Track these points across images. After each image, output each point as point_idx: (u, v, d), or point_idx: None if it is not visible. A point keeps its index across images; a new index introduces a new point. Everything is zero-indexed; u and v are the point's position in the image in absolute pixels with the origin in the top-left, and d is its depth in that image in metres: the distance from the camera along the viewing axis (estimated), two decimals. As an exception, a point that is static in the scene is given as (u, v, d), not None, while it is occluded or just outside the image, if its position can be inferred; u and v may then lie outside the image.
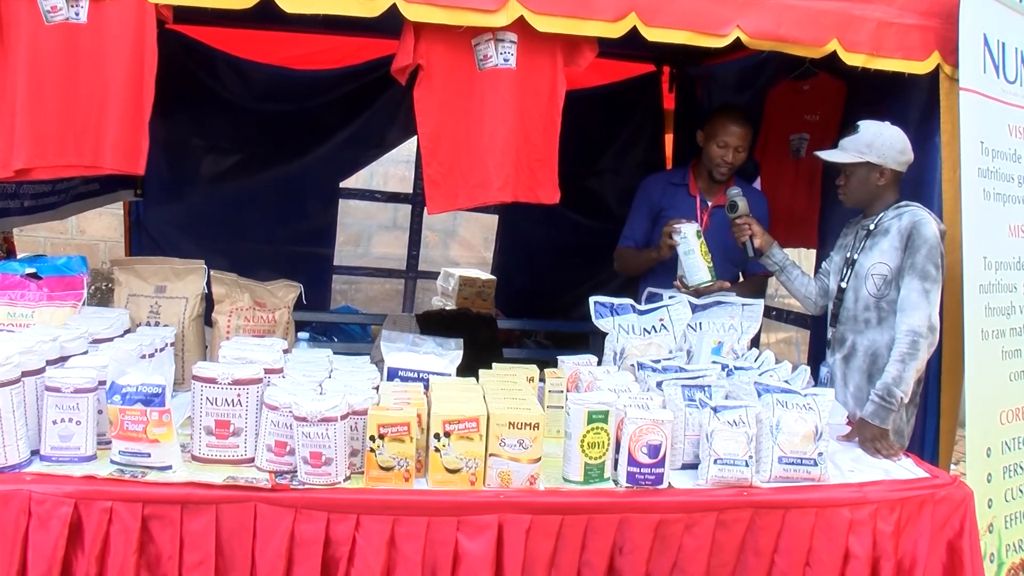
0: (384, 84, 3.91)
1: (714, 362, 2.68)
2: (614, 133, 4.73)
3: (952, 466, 2.93)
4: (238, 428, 2.15)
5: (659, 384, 2.44)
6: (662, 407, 2.33)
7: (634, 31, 2.54)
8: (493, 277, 5.22)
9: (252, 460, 2.16)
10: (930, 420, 2.90)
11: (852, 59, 2.71)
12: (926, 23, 2.76)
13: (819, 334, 3.73)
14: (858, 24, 2.69)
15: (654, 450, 2.20)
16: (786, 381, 2.51)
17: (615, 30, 2.53)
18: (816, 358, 3.35)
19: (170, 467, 2.06)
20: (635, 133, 4.76)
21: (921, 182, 2.93)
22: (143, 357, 2.37)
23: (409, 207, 5.28)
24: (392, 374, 2.43)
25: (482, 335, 3.94)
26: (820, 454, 2.30)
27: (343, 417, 2.06)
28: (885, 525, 2.27)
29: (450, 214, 5.69)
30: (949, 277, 2.73)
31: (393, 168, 6.20)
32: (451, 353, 2.55)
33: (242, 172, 4.34)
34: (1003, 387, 2.77)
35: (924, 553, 2.31)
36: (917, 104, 3.03)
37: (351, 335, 4.83)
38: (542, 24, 2.47)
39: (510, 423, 2.13)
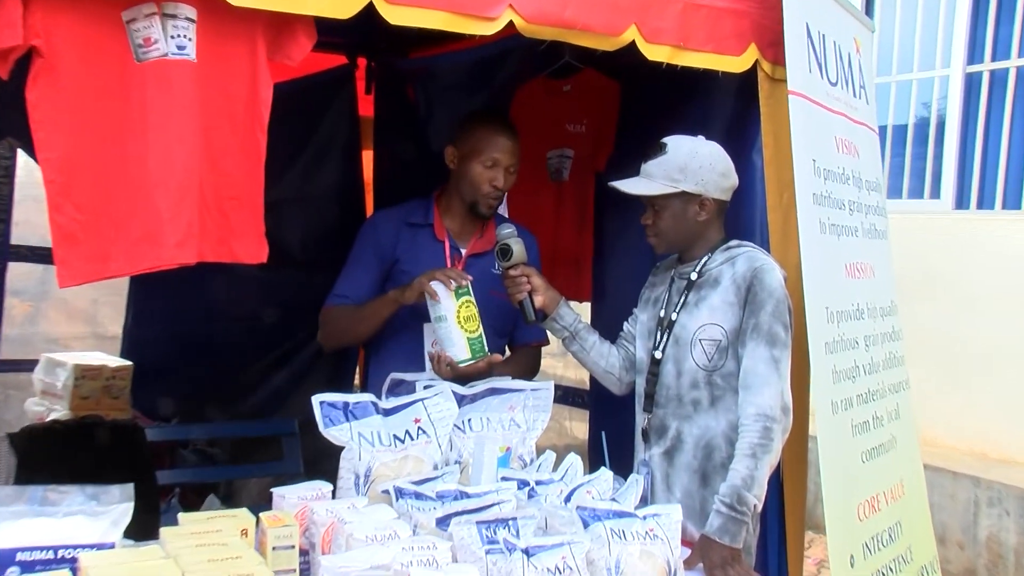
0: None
1: (505, 478, 2.48)
2: (293, 150, 4.50)
3: None
4: None
5: (441, 522, 2.21)
6: (453, 559, 2.10)
7: (370, 11, 2.30)
8: (127, 362, 4.70)
9: None
10: (771, 523, 2.90)
11: (654, 52, 2.67)
12: (738, 6, 2.80)
13: (603, 416, 3.70)
14: (661, 7, 2.65)
15: (457, 628, 1.94)
16: (614, 499, 2.37)
17: (345, 8, 2.26)
18: (600, 450, 3.26)
19: None
20: (322, 150, 4.58)
21: (738, 212, 2.95)
22: None
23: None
24: (6, 561, 1.94)
25: (130, 458, 3.49)
26: (679, 601, 2.17)
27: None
28: None
29: (36, 266, 4.99)
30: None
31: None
32: (113, 508, 2.11)
33: None
34: (856, 472, 2.84)
35: None
36: (721, 110, 3.08)
37: None
38: (238, -7, 2.15)
39: (240, 620, 1.77)
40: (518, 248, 2.91)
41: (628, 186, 2.78)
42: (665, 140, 2.76)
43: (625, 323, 3.01)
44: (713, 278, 2.74)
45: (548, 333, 3.17)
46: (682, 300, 2.78)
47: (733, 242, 2.79)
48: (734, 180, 2.79)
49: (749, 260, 2.70)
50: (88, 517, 2.07)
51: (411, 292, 2.96)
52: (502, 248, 2.91)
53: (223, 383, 4.61)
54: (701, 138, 2.77)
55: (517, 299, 2.90)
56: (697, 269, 2.78)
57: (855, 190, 3.05)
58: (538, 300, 2.90)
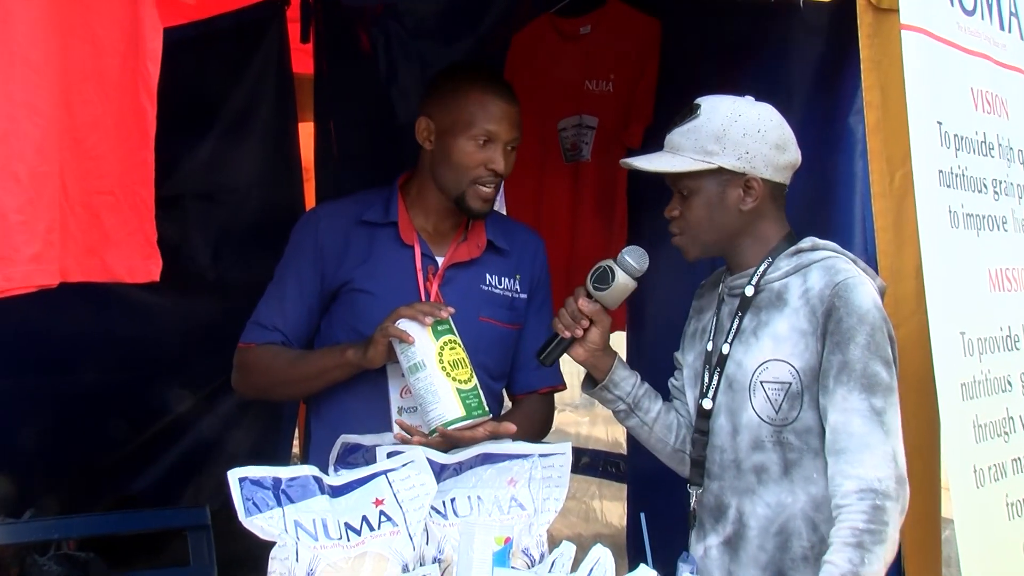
0: None
1: (506, 583, 2.49)
2: (198, 124, 4.58)
3: None
4: None
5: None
6: None
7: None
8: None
9: None
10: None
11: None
12: None
13: (646, 492, 3.70)
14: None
15: None
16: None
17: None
18: (640, 540, 3.27)
19: None
20: (240, 123, 4.68)
21: (829, 201, 2.95)
22: None
23: None
24: None
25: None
26: None
27: None
28: None
29: None
30: (903, 375, 2.71)
31: None
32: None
33: None
34: (1019, 574, 2.80)
35: None
36: (804, 56, 3.11)
37: None
38: None
39: None
40: (625, 282, 2.81)
41: (645, 162, 2.80)
42: (700, 100, 2.76)
43: (671, 380, 3.01)
44: (776, 294, 2.72)
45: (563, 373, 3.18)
46: (735, 326, 2.77)
47: (805, 242, 2.76)
48: (794, 156, 2.77)
49: (827, 271, 2.66)
50: None
51: (376, 350, 2.96)
52: (609, 269, 2.82)
53: (100, 457, 4.66)
54: (749, 98, 2.76)
55: (560, 332, 2.86)
56: (754, 281, 2.76)
57: (1003, 164, 3.03)
58: (579, 356, 2.86)
